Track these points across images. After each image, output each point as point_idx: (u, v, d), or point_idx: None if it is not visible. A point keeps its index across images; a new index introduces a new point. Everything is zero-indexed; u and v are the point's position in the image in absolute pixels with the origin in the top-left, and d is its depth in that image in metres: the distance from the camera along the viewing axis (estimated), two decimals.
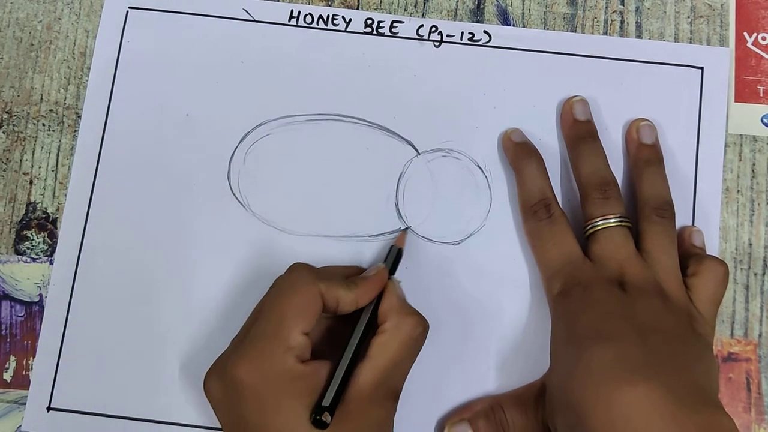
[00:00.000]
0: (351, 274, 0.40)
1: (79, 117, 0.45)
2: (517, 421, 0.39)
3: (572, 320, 0.38)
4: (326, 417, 0.34)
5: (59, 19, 0.47)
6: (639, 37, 0.46)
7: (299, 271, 0.37)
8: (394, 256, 0.41)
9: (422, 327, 0.38)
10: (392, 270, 0.41)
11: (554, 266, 0.40)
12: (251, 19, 0.46)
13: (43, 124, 0.45)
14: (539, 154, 0.42)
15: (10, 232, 0.44)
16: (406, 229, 0.43)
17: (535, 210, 0.41)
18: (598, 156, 0.42)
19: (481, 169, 0.44)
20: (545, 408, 0.38)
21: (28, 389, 0.42)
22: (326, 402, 0.34)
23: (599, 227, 0.40)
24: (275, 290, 0.37)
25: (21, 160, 0.45)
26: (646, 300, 0.37)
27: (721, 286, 0.39)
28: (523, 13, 0.46)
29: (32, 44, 0.46)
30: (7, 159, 0.45)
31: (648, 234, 0.40)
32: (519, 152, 0.43)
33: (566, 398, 0.36)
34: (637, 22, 0.46)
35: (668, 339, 0.36)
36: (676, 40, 0.46)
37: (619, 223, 0.39)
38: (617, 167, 0.43)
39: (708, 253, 0.42)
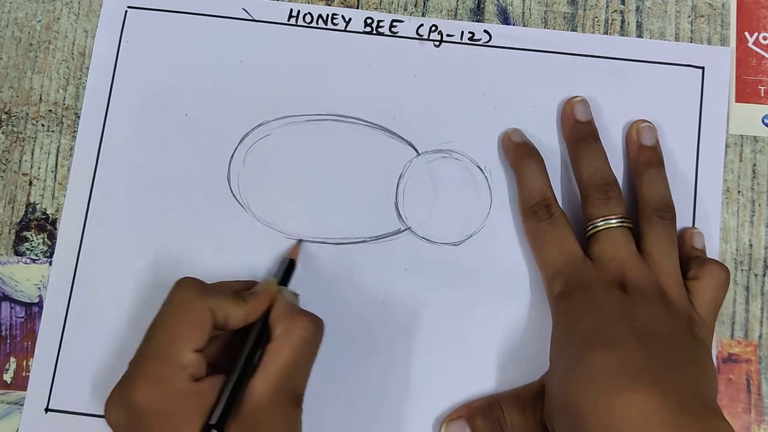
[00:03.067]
0: (241, 289, 0.39)
1: (79, 117, 0.45)
2: (515, 419, 0.39)
3: (573, 322, 0.38)
4: None
5: (58, 19, 0.46)
6: (640, 36, 0.46)
7: (188, 287, 0.37)
8: (284, 268, 0.41)
9: (313, 326, 0.37)
10: (284, 281, 0.41)
11: (555, 266, 0.40)
12: (250, 18, 0.46)
13: (42, 125, 0.45)
14: (539, 154, 0.42)
15: (9, 233, 0.44)
16: (300, 241, 0.43)
17: (535, 210, 0.41)
18: (599, 156, 0.42)
19: (481, 170, 0.44)
20: (543, 408, 0.38)
21: None
22: (213, 419, 0.33)
23: (600, 228, 0.39)
24: (165, 308, 0.36)
25: (20, 161, 0.45)
26: (648, 303, 0.37)
27: (722, 290, 0.39)
28: (523, 13, 0.46)
29: (31, 44, 0.46)
30: (7, 160, 0.45)
31: (649, 236, 0.40)
32: (519, 153, 0.43)
33: (565, 401, 0.36)
34: (637, 22, 0.46)
35: (668, 343, 0.36)
36: (677, 39, 0.46)
37: (621, 224, 0.39)
38: (618, 167, 0.43)
39: (708, 254, 0.42)
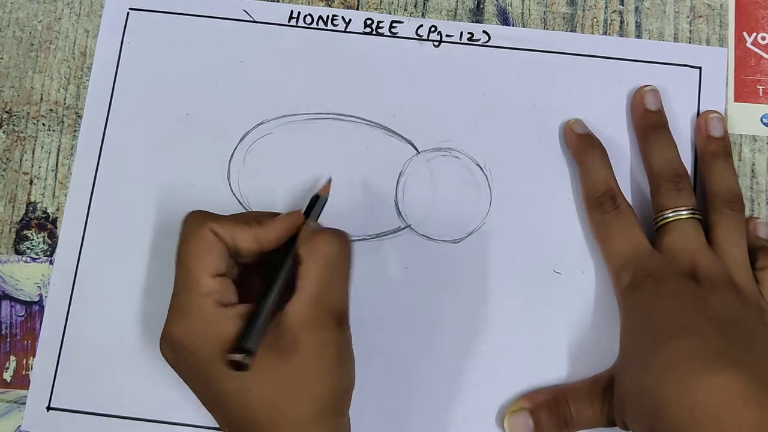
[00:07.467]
0: (262, 217, 0.38)
1: (79, 117, 0.45)
2: (583, 414, 0.39)
3: (646, 313, 0.38)
4: (242, 358, 0.33)
5: (59, 19, 0.47)
6: (639, 36, 0.46)
7: (189, 218, 0.37)
8: (312, 203, 0.39)
9: (338, 239, 0.36)
10: (311, 216, 0.39)
11: (622, 258, 0.40)
12: (251, 20, 0.46)
13: (43, 124, 0.45)
14: (602, 145, 0.42)
15: (10, 231, 0.44)
16: (329, 180, 0.41)
17: (600, 202, 0.41)
18: (670, 147, 0.42)
19: (480, 168, 0.44)
20: (612, 401, 0.38)
21: (27, 389, 0.42)
22: (244, 343, 0.33)
23: (670, 219, 0.40)
24: (178, 245, 0.37)
25: (21, 160, 0.45)
26: (720, 293, 0.37)
27: None
28: (522, 13, 0.46)
29: (32, 44, 0.46)
30: (7, 159, 0.45)
31: (719, 227, 0.40)
32: (582, 144, 0.43)
33: (644, 389, 0.36)
34: (636, 22, 0.46)
35: (743, 330, 0.36)
36: (676, 39, 0.46)
37: (691, 215, 0.39)
38: (617, 168, 0.43)
39: None
